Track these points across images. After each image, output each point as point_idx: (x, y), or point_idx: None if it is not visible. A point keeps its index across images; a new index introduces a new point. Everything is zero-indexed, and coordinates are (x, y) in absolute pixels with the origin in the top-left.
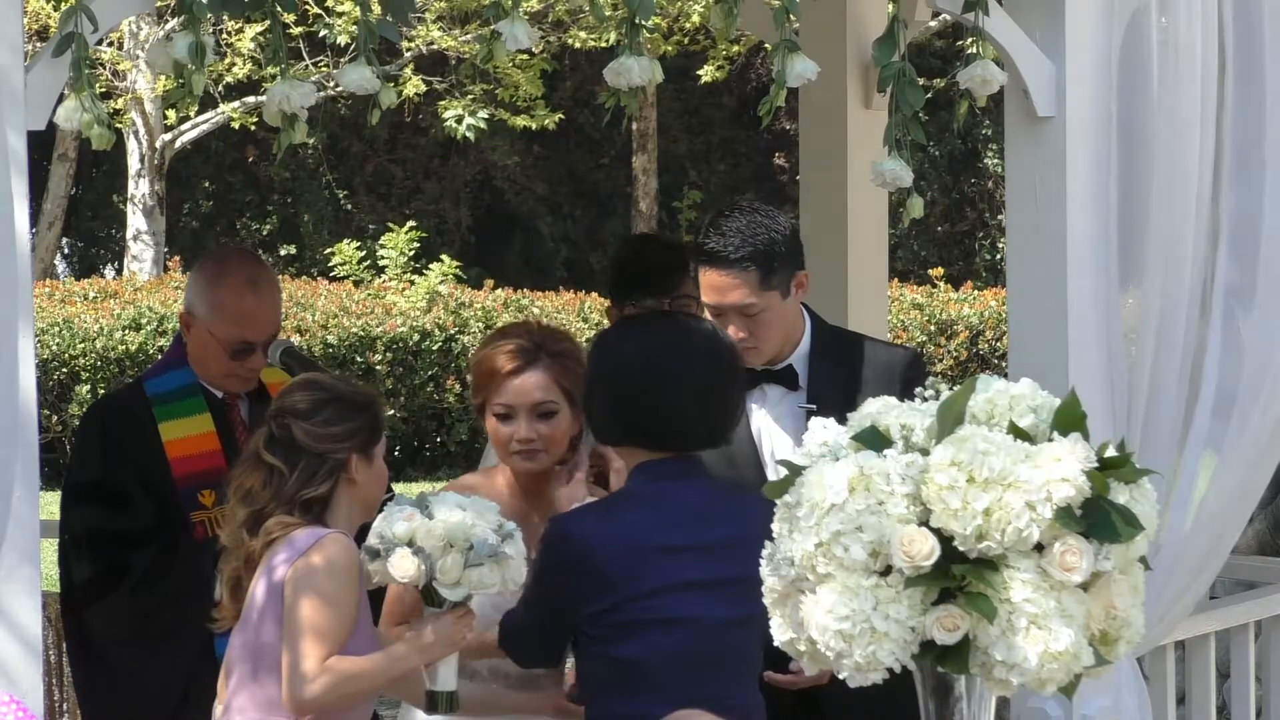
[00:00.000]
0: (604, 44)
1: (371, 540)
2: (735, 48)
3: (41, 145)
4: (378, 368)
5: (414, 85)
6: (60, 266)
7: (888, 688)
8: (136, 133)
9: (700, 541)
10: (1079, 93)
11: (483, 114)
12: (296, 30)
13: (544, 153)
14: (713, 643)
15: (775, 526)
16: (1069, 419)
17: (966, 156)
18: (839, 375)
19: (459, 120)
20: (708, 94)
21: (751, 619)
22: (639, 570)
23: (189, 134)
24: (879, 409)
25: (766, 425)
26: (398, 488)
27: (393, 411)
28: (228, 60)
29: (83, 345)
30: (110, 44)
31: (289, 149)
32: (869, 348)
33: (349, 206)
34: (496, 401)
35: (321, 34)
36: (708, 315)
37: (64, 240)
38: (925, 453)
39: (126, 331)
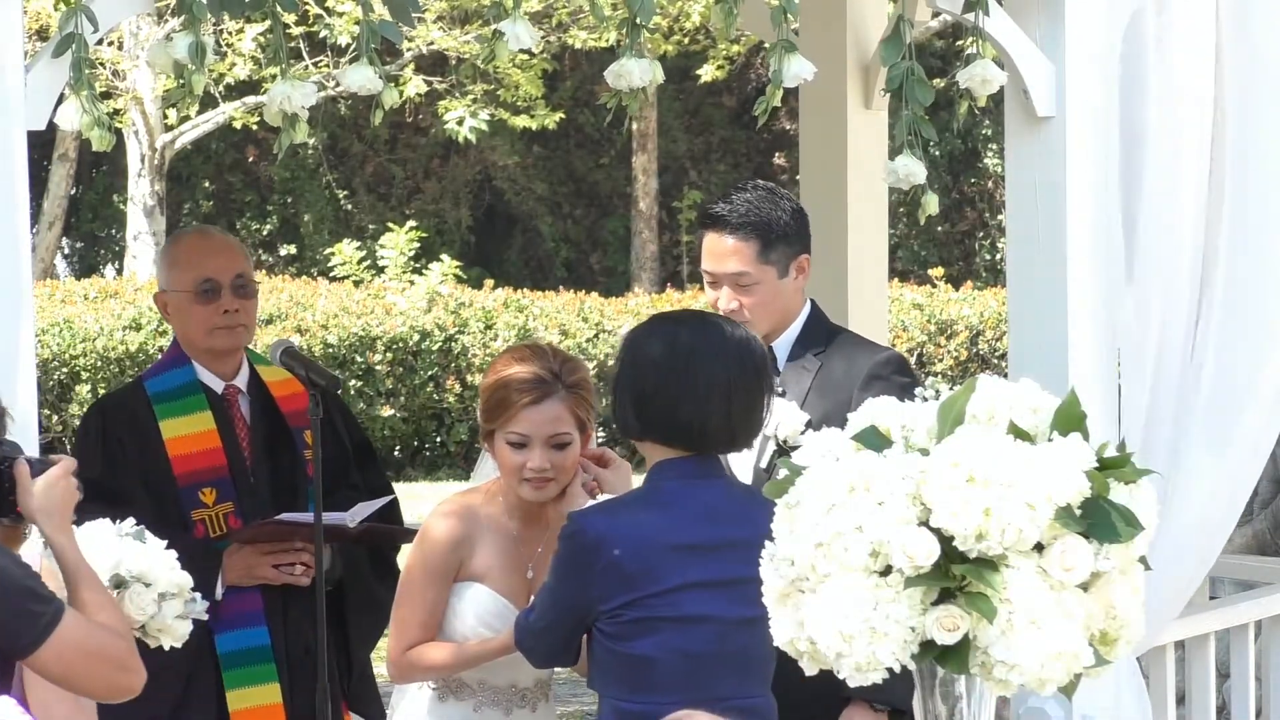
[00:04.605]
0: (604, 44)
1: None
2: (735, 48)
3: (41, 145)
4: (378, 368)
5: (415, 85)
6: (60, 266)
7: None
8: (136, 133)
9: (716, 541)
10: (1079, 93)
11: (484, 115)
12: (297, 30)
13: (544, 153)
14: (725, 642)
15: (775, 526)
16: (1069, 419)
17: (966, 156)
18: (811, 365)
19: (460, 122)
20: (708, 94)
21: (764, 620)
22: (657, 567)
23: (189, 134)
24: (879, 409)
25: None
26: (397, 488)
27: (392, 412)
28: (228, 60)
29: (83, 345)
30: (110, 44)
31: (289, 149)
32: (849, 344)
33: (349, 206)
34: (511, 430)
35: (322, 34)
36: (705, 286)
37: (64, 240)
38: (925, 453)
39: (126, 331)
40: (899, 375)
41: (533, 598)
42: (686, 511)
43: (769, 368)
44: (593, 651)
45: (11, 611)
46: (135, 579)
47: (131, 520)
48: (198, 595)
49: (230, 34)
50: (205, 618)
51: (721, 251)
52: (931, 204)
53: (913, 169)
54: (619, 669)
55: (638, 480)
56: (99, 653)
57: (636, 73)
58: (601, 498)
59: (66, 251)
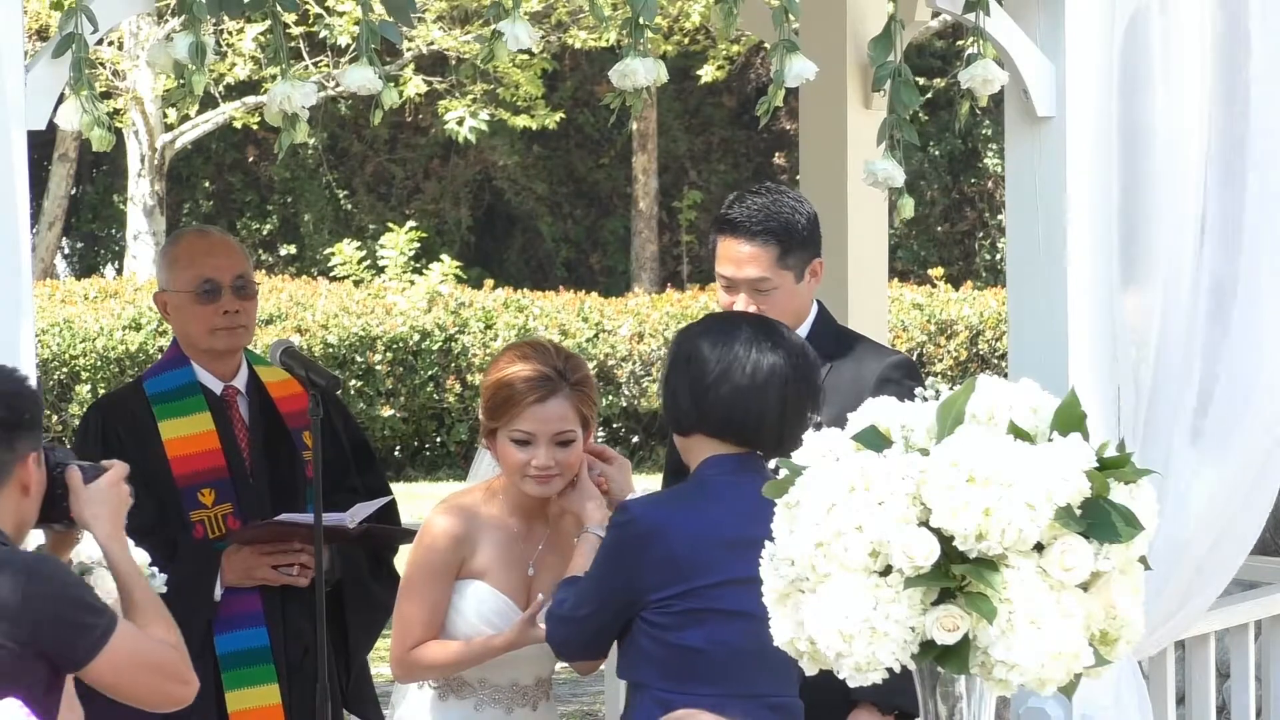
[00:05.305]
0: (604, 44)
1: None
2: (735, 48)
3: (41, 145)
4: (378, 368)
5: (415, 85)
6: (60, 266)
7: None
8: (137, 133)
9: (761, 537)
10: (1079, 93)
11: (484, 115)
12: (296, 30)
13: (544, 153)
14: (763, 639)
15: (775, 526)
16: (1069, 419)
17: (966, 156)
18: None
19: (460, 122)
20: (708, 94)
21: None
22: (710, 559)
23: (189, 134)
24: (879, 409)
25: None
26: (397, 488)
27: (393, 411)
28: (228, 60)
29: (83, 345)
30: (110, 44)
31: (289, 149)
32: (857, 347)
33: (349, 206)
34: (516, 428)
35: (322, 34)
36: (719, 289)
37: (64, 240)
38: (925, 453)
39: (126, 331)
40: (909, 379)
41: (539, 593)
42: (736, 507)
43: (820, 376)
44: (634, 642)
45: (65, 624)
46: (96, 564)
47: None
48: (155, 569)
49: (230, 34)
50: (164, 590)
51: (740, 257)
52: (907, 208)
53: (892, 172)
54: (666, 660)
55: (637, 481)
56: (153, 664)
57: (641, 72)
58: (636, 495)
59: (66, 251)
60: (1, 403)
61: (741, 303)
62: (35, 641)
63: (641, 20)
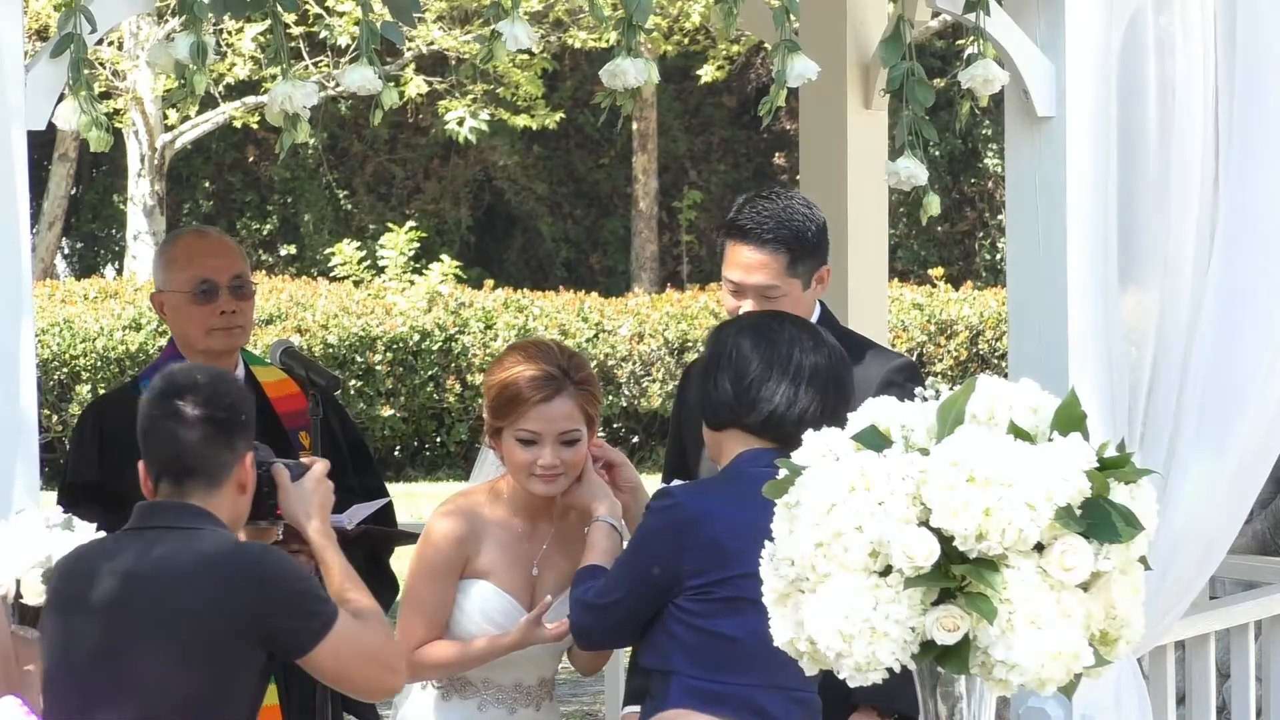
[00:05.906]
0: (604, 44)
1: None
2: (735, 48)
3: (41, 145)
4: (378, 368)
5: (416, 86)
6: (60, 266)
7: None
8: (136, 133)
9: None
10: (1079, 93)
11: (484, 115)
12: (297, 30)
13: (544, 153)
14: None
15: (775, 526)
16: (1069, 419)
17: (966, 156)
18: None
19: (460, 122)
20: (708, 94)
21: None
22: (748, 549)
23: (189, 134)
24: (879, 409)
25: None
26: (397, 488)
27: (392, 412)
28: (228, 60)
29: (83, 345)
30: (110, 44)
31: (289, 149)
32: (860, 349)
33: (349, 206)
34: (521, 427)
35: (322, 34)
36: (725, 293)
37: (64, 240)
38: (925, 453)
39: (126, 331)
40: (911, 383)
41: (546, 594)
42: (771, 500)
43: (853, 379)
44: (664, 629)
45: (292, 613)
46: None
47: (59, 509)
48: None
49: (230, 34)
50: None
51: (749, 264)
52: (933, 205)
53: (914, 170)
54: (700, 647)
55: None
56: (371, 654)
57: (631, 73)
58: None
59: (66, 251)
60: (222, 405)
61: (748, 308)
62: (259, 630)
63: (635, 21)
